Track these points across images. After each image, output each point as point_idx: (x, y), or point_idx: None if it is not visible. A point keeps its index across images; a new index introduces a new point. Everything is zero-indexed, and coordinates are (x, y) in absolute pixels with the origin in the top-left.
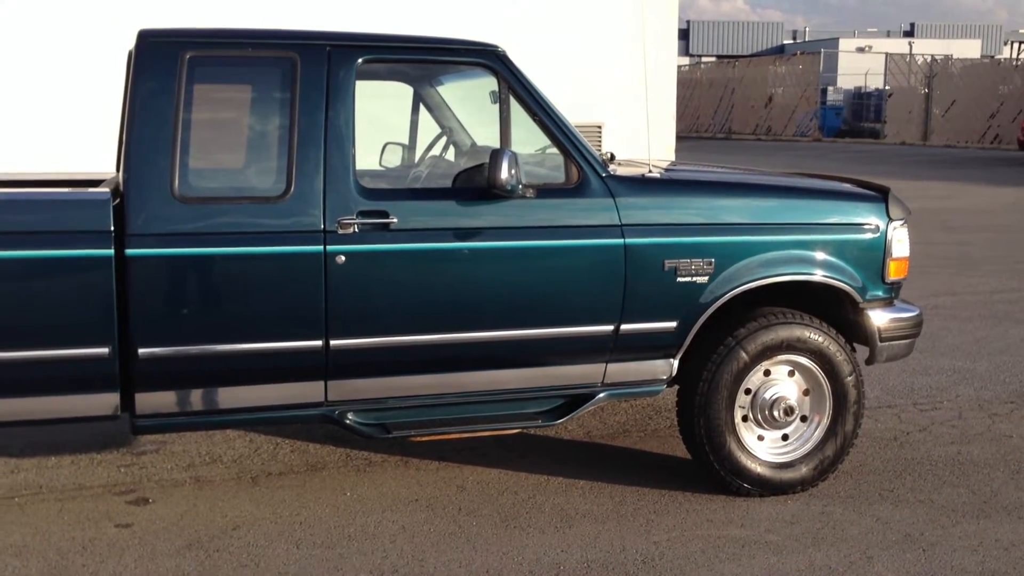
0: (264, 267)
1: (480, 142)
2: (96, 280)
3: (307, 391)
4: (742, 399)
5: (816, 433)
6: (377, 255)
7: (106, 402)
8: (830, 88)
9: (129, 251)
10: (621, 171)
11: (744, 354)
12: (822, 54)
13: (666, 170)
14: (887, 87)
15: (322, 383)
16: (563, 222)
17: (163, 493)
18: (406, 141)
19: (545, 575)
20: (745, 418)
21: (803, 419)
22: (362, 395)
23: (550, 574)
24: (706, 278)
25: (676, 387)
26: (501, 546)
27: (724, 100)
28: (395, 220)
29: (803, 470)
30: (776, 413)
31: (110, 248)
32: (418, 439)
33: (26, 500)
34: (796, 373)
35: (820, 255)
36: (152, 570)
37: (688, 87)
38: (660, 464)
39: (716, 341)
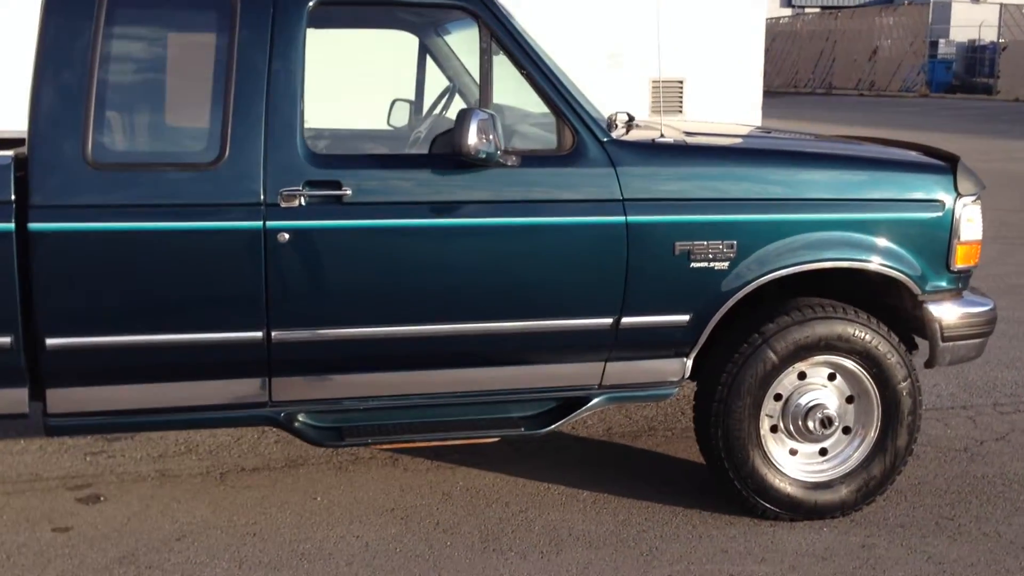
0: (193, 245)
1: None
2: None
3: (247, 389)
4: (770, 406)
5: (861, 448)
6: (327, 233)
7: (13, 398)
8: (941, 41)
9: (32, 225)
10: (629, 136)
11: (772, 354)
12: (931, 5)
13: (687, 133)
14: (1001, 40)
15: (264, 380)
16: (552, 195)
17: (119, 489)
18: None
19: None
20: (774, 428)
21: (845, 431)
22: (312, 395)
23: None
24: (726, 263)
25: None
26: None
27: (825, 54)
28: (349, 192)
29: (843, 492)
30: (812, 424)
31: (10, 221)
32: (378, 447)
33: None
34: (838, 377)
35: (870, 237)
36: None
37: (787, 40)
38: (680, 474)
39: (739, 338)
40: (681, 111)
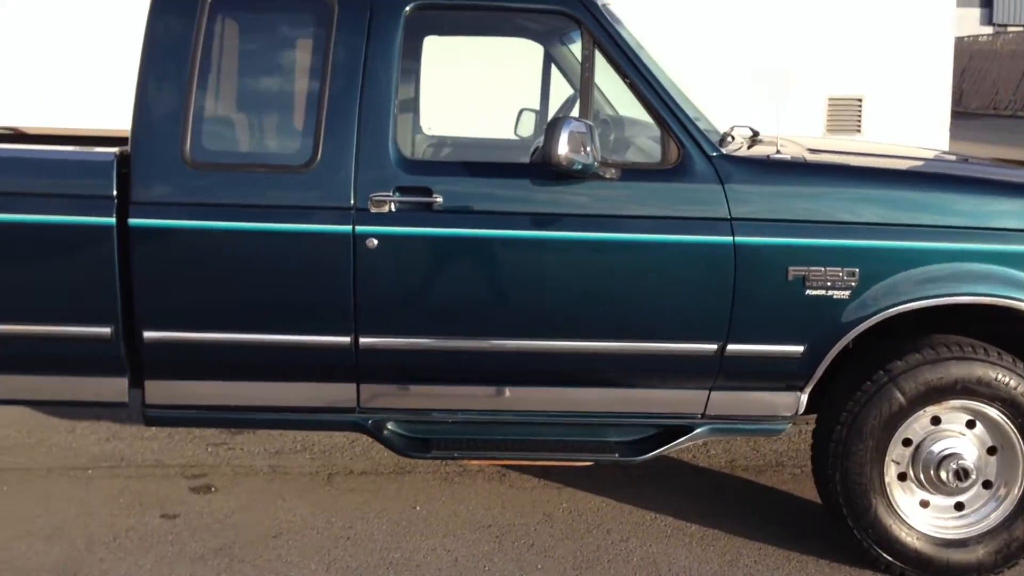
0: (283, 248)
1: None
2: (96, 251)
3: (335, 394)
4: (898, 451)
5: (1003, 506)
6: (415, 240)
7: (114, 387)
8: None
9: (132, 221)
10: (743, 151)
11: (899, 395)
12: None
13: (811, 150)
14: None
15: (353, 386)
16: (653, 211)
17: (231, 481)
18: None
19: None
20: (903, 476)
21: (986, 485)
22: (400, 404)
23: None
24: (847, 292)
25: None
26: None
27: None
28: (439, 199)
29: (980, 552)
30: (945, 475)
31: (111, 216)
32: (465, 462)
33: (100, 474)
34: (978, 425)
35: (1018, 272)
36: None
37: (986, 59)
38: (802, 515)
39: (862, 375)
40: (859, 130)
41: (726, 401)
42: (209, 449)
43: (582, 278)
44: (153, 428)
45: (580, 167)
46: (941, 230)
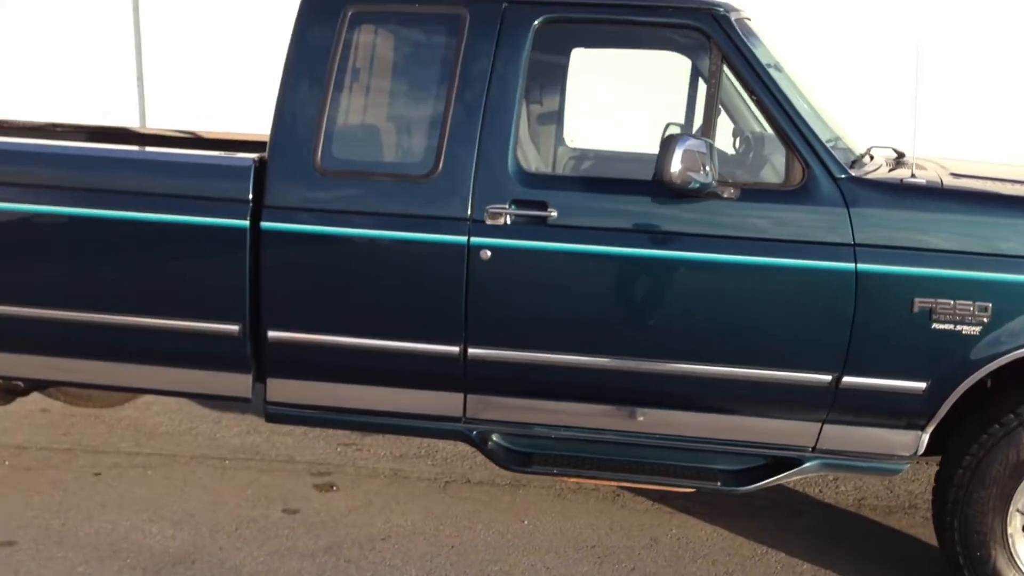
0: (400, 255)
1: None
2: (230, 252)
3: (443, 402)
4: (1023, 501)
5: None
6: (529, 253)
7: (240, 383)
8: None
9: (264, 224)
10: (876, 174)
11: None
12: None
13: (953, 174)
14: None
15: (460, 396)
16: (772, 234)
17: (352, 482)
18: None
19: None
20: None
21: None
22: (505, 416)
23: None
24: (978, 328)
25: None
26: None
27: None
28: (554, 213)
29: None
30: None
31: (246, 219)
32: (565, 479)
33: (235, 465)
34: None
35: None
36: (273, 568)
37: None
38: (927, 562)
39: (991, 417)
40: None
41: (840, 435)
42: (338, 449)
43: (695, 299)
44: (289, 426)
45: (697, 185)
46: None
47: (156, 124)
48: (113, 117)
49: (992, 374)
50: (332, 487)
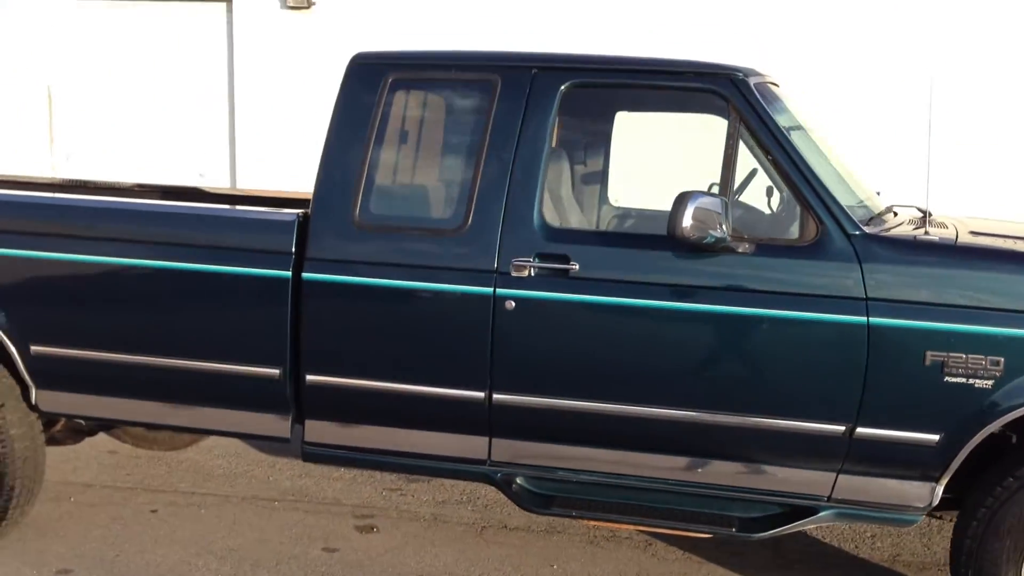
0: (430, 305)
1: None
2: (273, 300)
3: (469, 446)
4: None
5: None
6: (551, 304)
7: (279, 424)
8: None
9: (306, 275)
10: (891, 232)
11: None
12: None
13: (972, 232)
14: None
15: (486, 440)
16: (785, 288)
17: (393, 524)
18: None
19: None
20: None
21: None
22: (529, 460)
23: None
24: (990, 382)
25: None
26: None
27: None
28: (576, 266)
29: None
30: None
31: (288, 270)
32: (599, 525)
33: (284, 506)
34: None
35: None
36: None
37: None
38: None
39: (1005, 470)
40: None
41: (854, 485)
42: (383, 493)
43: (711, 350)
44: (341, 470)
45: (712, 240)
46: None
47: (246, 184)
48: (208, 178)
49: (1016, 428)
50: (373, 528)
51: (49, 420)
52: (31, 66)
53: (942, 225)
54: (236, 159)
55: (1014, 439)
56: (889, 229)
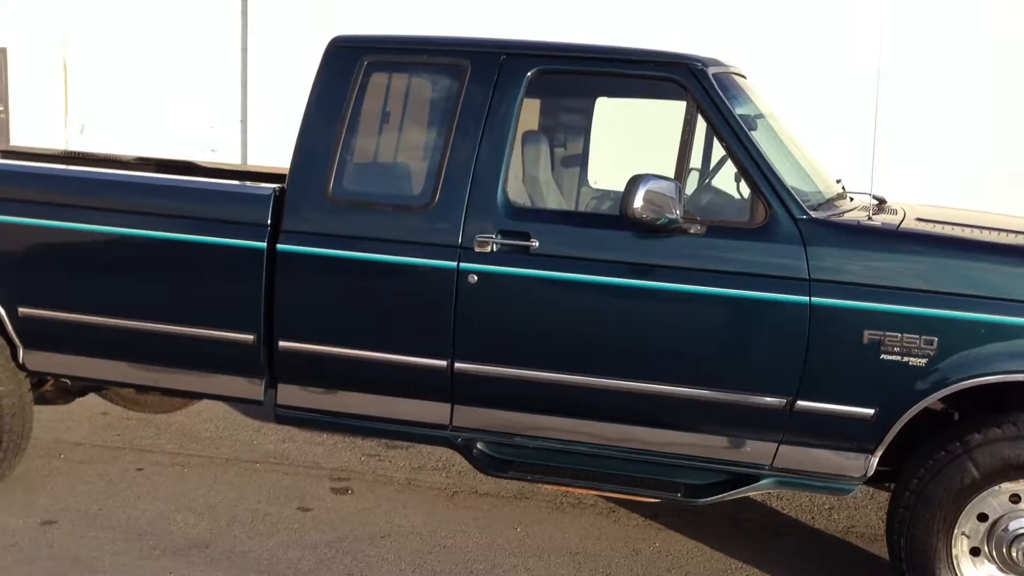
0: (398, 277)
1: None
2: (248, 270)
3: (432, 411)
4: (970, 525)
5: None
6: (511, 279)
7: (254, 388)
8: None
9: (280, 246)
10: (838, 217)
11: (973, 467)
12: None
13: (918, 219)
14: None
15: (448, 406)
16: (731, 267)
17: (368, 488)
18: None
19: None
20: (976, 551)
21: None
22: (488, 426)
23: None
24: (924, 360)
25: None
26: None
27: None
28: (536, 243)
29: None
30: (1016, 554)
31: (264, 241)
32: (541, 485)
33: (265, 468)
34: None
35: None
36: (276, 556)
37: None
38: None
39: (938, 444)
40: None
41: (794, 456)
42: (362, 458)
43: (661, 326)
44: (323, 436)
45: (664, 221)
46: None
47: (256, 161)
48: (220, 154)
49: (956, 404)
50: (348, 491)
51: (39, 380)
52: (47, 40)
53: (893, 212)
54: (247, 135)
55: (956, 416)
56: (836, 214)
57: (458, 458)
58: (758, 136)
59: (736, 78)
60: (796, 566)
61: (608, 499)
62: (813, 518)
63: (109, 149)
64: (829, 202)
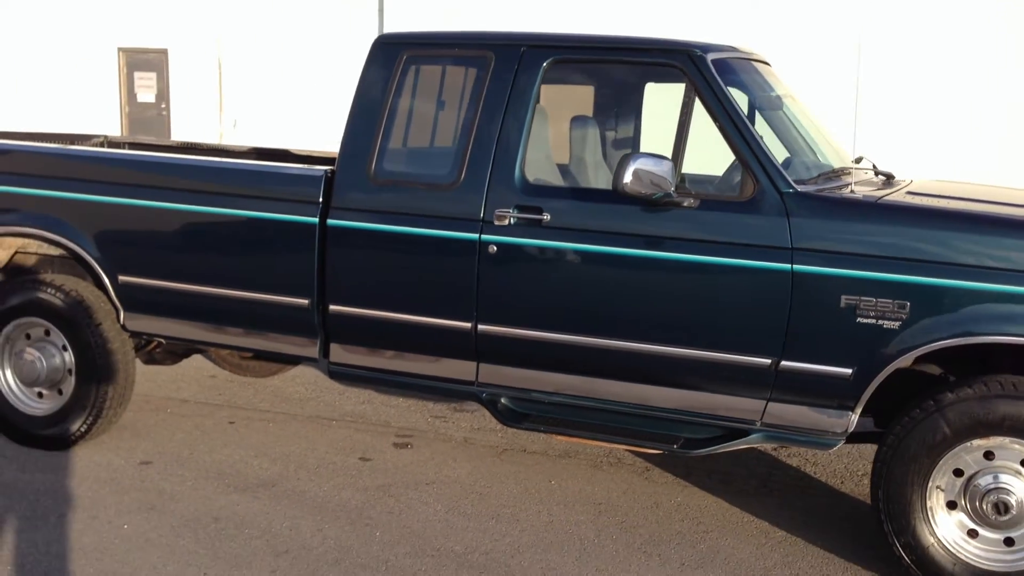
0: (429, 248)
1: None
2: (303, 242)
3: (460, 369)
4: (945, 479)
5: None
6: (526, 248)
7: (310, 346)
8: None
9: (330, 220)
10: (818, 190)
11: (944, 425)
12: None
13: (909, 192)
14: None
15: (474, 364)
16: (723, 238)
17: (427, 444)
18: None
19: None
20: (952, 504)
21: None
22: (509, 382)
23: None
24: (896, 323)
25: None
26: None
27: None
28: (547, 217)
29: None
30: (986, 507)
31: (316, 217)
32: (585, 445)
33: (341, 425)
34: None
35: None
36: (330, 495)
37: None
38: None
39: (914, 403)
40: None
41: (781, 412)
42: (429, 419)
43: (659, 291)
44: (398, 399)
45: (659, 195)
46: (993, 272)
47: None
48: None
49: (954, 367)
50: (407, 446)
51: (147, 341)
52: (204, 41)
53: (890, 186)
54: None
55: (951, 380)
56: (824, 189)
57: None
58: (766, 116)
59: (752, 63)
60: (807, 521)
61: (645, 459)
62: (842, 482)
63: (258, 142)
64: (828, 176)
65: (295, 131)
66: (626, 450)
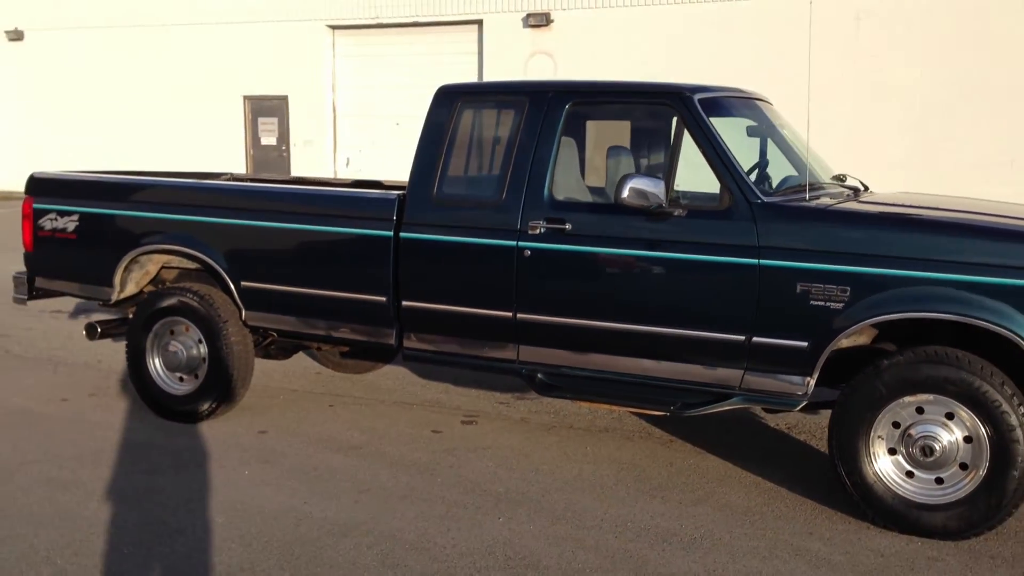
0: (478, 254)
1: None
2: (381, 251)
3: (503, 350)
4: (886, 430)
5: (968, 484)
6: (553, 252)
7: (388, 335)
8: None
9: (402, 234)
10: (782, 201)
11: (880, 385)
12: None
13: (863, 201)
14: None
15: (515, 346)
16: (706, 239)
17: (489, 422)
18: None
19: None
20: (893, 451)
21: (963, 467)
22: (543, 360)
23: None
24: (840, 304)
25: None
26: (618, 510)
27: None
28: (569, 226)
29: (939, 518)
30: (916, 451)
31: (391, 231)
32: (624, 421)
33: (421, 408)
34: (955, 417)
35: (979, 296)
36: (404, 454)
37: None
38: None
39: (859, 368)
40: None
41: (755, 380)
42: (495, 405)
43: (656, 283)
44: (470, 388)
45: (654, 207)
46: (917, 261)
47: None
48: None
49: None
50: (473, 422)
51: (263, 336)
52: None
53: (852, 198)
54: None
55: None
56: (789, 200)
57: (565, 405)
58: (761, 141)
59: (752, 100)
60: (798, 480)
61: (671, 431)
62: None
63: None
64: (795, 189)
65: (399, 167)
66: (654, 424)
